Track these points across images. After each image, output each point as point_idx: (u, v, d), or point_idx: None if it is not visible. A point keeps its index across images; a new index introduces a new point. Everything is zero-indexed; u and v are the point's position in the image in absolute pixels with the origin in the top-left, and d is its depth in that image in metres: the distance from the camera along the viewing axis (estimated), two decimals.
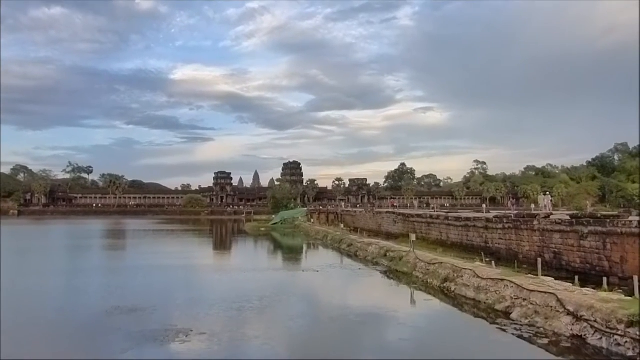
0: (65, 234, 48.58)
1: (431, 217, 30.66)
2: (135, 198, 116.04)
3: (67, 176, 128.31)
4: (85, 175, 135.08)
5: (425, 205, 67.22)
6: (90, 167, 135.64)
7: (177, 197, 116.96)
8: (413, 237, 21.42)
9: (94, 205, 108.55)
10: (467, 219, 26.38)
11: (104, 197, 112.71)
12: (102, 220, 75.58)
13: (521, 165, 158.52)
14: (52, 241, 39.97)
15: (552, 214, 23.19)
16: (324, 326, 11.95)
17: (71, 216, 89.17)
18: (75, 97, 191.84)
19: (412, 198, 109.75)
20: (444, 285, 15.57)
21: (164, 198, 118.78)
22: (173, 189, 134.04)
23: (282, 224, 56.11)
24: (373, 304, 14.20)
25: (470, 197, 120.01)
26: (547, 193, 43.96)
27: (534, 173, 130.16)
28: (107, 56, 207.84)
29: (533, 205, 49.37)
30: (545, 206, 33.56)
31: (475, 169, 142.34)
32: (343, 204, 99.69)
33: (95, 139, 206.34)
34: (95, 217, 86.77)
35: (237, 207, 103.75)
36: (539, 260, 14.90)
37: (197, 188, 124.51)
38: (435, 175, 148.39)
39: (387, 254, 22.26)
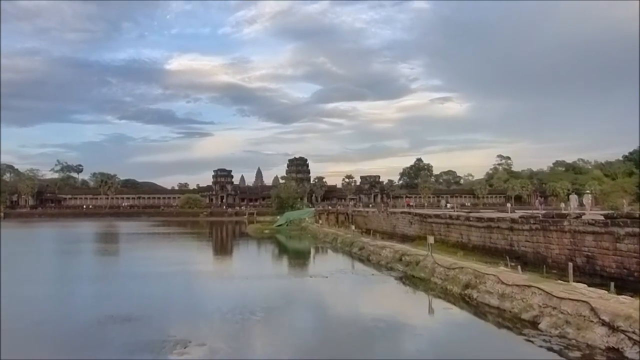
0: (54, 238, 49.07)
1: (450, 217, 30.57)
2: (128, 198, 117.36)
3: (56, 175, 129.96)
4: (74, 175, 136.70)
5: (445, 205, 66.75)
6: (80, 165, 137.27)
7: (174, 197, 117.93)
8: (431, 239, 21.37)
9: (85, 206, 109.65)
10: (490, 219, 26.27)
11: (95, 197, 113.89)
12: (93, 223, 76.25)
13: (549, 160, 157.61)
14: (40, 246, 40.38)
15: (583, 214, 22.98)
16: (334, 338, 11.95)
17: (60, 218, 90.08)
18: (64, 90, 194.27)
19: (429, 196, 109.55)
20: (465, 292, 15.52)
21: (159, 198, 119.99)
22: (169, 188, 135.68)
23: (287, 225, 56.22)
24: (387, 313, 14.17)
25: (493, 196, 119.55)
26: (588, 192, 43.43)
27: (563, 169, 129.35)
28: (98, 46, 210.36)
29: (563, 205, 48.94)
30: (586, 205, 32.73)
31: (499, 164, 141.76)
32: (354, 203, 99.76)
33: (85, 135, 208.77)
34: (86, 219, 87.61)
35: (238, 208, 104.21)
36: (570, 264, 14.78)
37: (195, 187, 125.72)
38: (454, 172, 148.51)
39: (403, 258, 22.24)
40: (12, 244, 41.11)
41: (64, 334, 12.09)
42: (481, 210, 48.50)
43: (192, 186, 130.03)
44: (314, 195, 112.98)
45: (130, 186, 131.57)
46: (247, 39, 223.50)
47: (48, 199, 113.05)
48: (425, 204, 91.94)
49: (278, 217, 63.62)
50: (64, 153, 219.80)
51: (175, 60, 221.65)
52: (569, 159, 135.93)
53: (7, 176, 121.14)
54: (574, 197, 34.54)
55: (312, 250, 35.16)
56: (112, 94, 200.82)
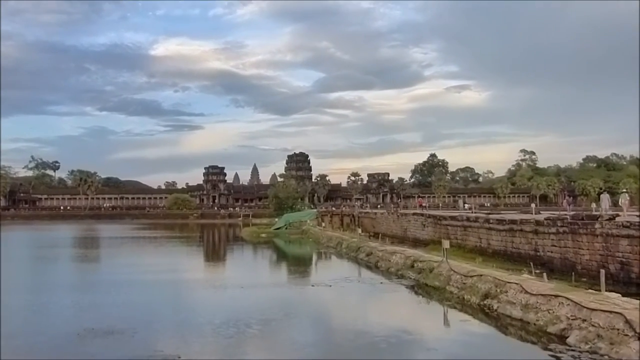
0: (28, 242, 49.34)
1: (468, 219, 30.66)
2: (110, 199, 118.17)
3: (30, 173, 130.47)
4: (50, 172, 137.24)
5: (463, 205, 66.32)
6: (56, 162, 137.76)
7: (160, 198, 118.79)
8: (446, 244, 21.45)
9: (62, 207, 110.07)
10: (513, 221, 26.34)
11: (73, 197, 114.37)
12: (71, 226, 76.64)
13: (578, 156, 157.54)
14: (13, 251, 40.48)
15: (617, 215, 22.94)
16: (338, 353, 11.98)
17: (35, 221, 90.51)
18: (38, 78, 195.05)
19: (444, 196, 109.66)
20: (484, 302, 15.53)
21: (144, 199, 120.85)
22: (155, 187, 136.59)
23: (286, 228, 56.74)
24: (398, 326, 14.21)
25: (516, 195, 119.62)
26: (625, 191, 43.23)
27: (594, 165, 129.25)
28: (76, 29, 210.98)
29: (594, 205, 48.83)
30: (623, 206, 32.42)
31: (522, 160, 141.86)
32: (360, 204, 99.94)
33: (62, 128, 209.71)
34: (63, 222, 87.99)
35: (232, 209, 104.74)
36: (602, 272, 14.71)
37: (184, 186, 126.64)
38: (472, 169, 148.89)
39: (415, 265, 22.37)
40: None
41: (39, 348, 12.07)
42: (502, 211, 48.57)
43: (180, 185, 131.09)
44: (316, 195, 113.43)
45: (112, 185, 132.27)
46: (241, 21, 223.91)
47: (21, 199, 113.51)
48: (440, 205, 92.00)
49: (276, 219, 64.08)
50: (38, 148, 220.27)
51: (162, 45, 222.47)
52: (601, 153, 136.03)
53: None
54: (605, 197, 34.14)
55: (314, 256, 35.40)
56: (91, 82, 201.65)
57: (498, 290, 15.46)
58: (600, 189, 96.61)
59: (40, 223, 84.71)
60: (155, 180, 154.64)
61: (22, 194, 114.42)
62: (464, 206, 62.90)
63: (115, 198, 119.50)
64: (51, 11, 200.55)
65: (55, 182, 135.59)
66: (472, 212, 38.38)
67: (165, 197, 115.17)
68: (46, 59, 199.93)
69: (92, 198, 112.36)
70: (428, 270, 20.54)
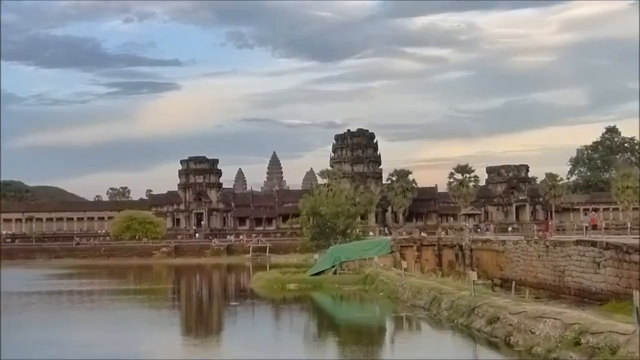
0: None
1: None
2: (8, 221, 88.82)
3: None
4: None
5: None
6: None
7: (101, 218, 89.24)
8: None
9: None
10: None
11: None
12: None
13: None
14: None
15: None
16: None
17: None
18: None
19: (635, 207, 77.65)
20: None
21: (71, 220, 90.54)
22: (91, 199, 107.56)
23: (335, 272, 43.23)
24: None
25: None
26: None
27: None
28: None
29: None
30: None
31: None
32: (473, 224, 76.10)
33: None
34: None
35: (232, 237, 78.52)
36: None
37: (145, 196, 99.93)
38: None
39: (582, 341, 17.15)
40: None
41: None
42: None
43: (137, 194, 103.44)
44: (390, 208, 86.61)
45: (13, 196, 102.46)
46: None
47: None
48: (629, 224, 62.57)
49: (315, 255, 51.56)
50: None
51: None
52: None
53: None
54: None
55: (389, 324, 28.07)
56: None
57: None
58: None
59: None
60: (90, 186, 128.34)
61: None
62: None
63: (19, 220, 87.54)
64: None
65: None
66: None
67: (110, 218, 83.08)
68: None
69: None
70: (608, 351, 15.80)
